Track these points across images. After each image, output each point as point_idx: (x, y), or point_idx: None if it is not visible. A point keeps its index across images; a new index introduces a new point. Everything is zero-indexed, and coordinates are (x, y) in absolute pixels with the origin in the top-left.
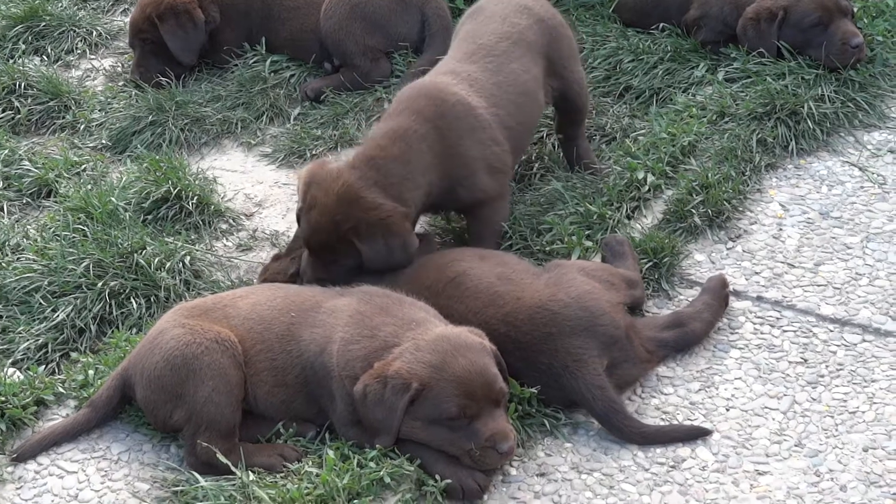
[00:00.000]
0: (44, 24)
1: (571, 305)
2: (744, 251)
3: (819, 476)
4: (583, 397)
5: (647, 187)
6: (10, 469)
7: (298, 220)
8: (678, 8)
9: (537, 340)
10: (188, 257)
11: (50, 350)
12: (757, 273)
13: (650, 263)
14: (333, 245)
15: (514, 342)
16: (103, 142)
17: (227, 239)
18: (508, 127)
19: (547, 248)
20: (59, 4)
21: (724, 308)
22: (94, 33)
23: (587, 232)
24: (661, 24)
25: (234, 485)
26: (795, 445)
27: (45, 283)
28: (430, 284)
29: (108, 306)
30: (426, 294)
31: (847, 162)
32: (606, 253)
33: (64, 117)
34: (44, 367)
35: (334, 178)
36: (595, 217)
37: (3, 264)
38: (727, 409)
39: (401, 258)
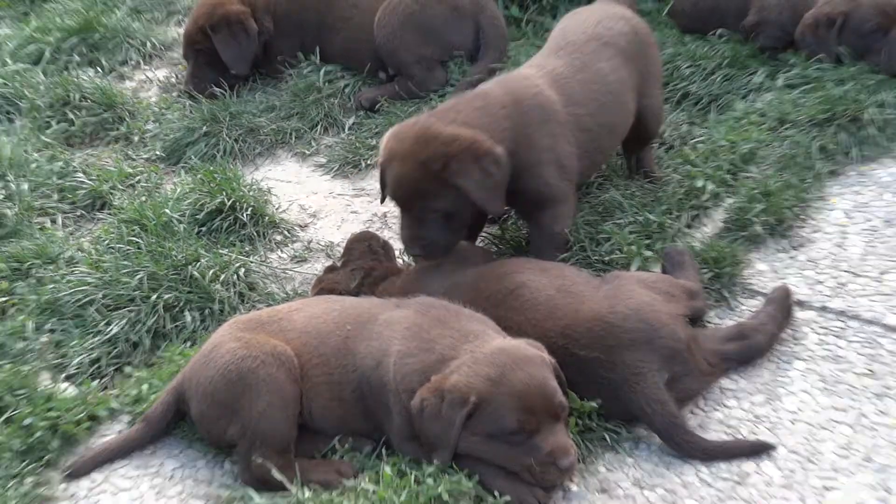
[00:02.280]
0: (98, 35)
1: (630, 318)
2: (807, 260)
3: (889, 492)
4: (643, 412)
5: (706, 196)
6: (63, 486)
7: (382, 186)
8: (736, 13)
9: (596, 353)
10: (242, 269)
11: (104, 364)
12: (821, 282)
13: (711, 273)
14: (423, 190)
15: (573, 355)
16: (157, 153)
17: (281, 250)
18: (587, 129)
19: (606, 259)
20: (114, 16)
21: (789, 319)
22: (149, 44)
23: (647, 241)
24: (719, 30)
25: (289, 501)
26: (864, 460)
27: (99, 295)
28: (490, 295)
29: (162, 319)
30: (485, 305)
31: None
32: (667, 263)
33: (118, 129)
34: (97, 381)
35: (410, 125)
36: (654, 226)
37: (58, 277)
38: (792, 423)
39: (498, 177)
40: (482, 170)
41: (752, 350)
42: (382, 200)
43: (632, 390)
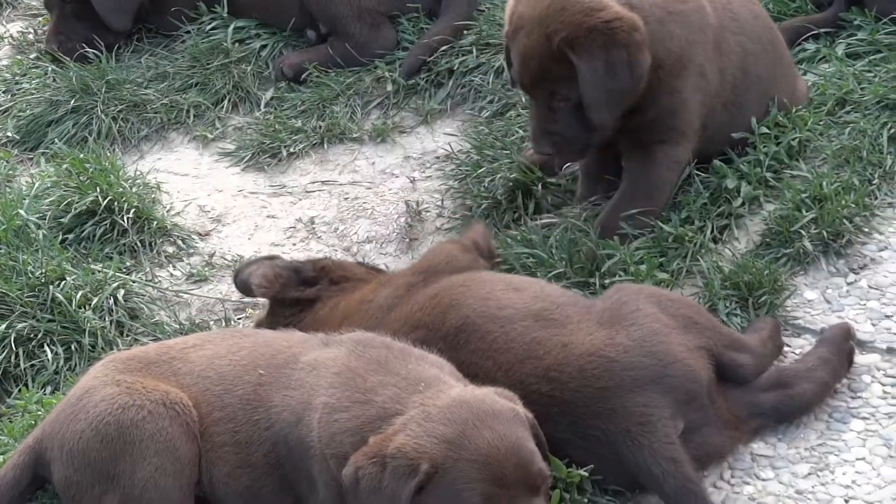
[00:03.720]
0: None
1: (633, 350)
2: (871, 287)
3: None
4: (650, 473)
5: (740, 200)
6: None
7: (508, 63)
8: None
9: (589, 400)
10: (122, 291)
11: None
12: (888, 317)
13: (741, 302)
14: (548, 71)
15: (560, 404)
16: (9, 134)
17: (174, 266)
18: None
19: (606, 282)
20: None
21: (847, 367)
22: None
23: (661, 259)
24: None
25: None
26: None
27: None
28: (446, 333)
29: (13, 356)
30: (441, 346)
31: None
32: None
33: None
34: None
35: None
36: (670, 239)
37: None
38: (846, 501)
39: (624, 82)
40: (607, 62)
41: (794, 402)
42: (513, 85)
43: (635, 445)
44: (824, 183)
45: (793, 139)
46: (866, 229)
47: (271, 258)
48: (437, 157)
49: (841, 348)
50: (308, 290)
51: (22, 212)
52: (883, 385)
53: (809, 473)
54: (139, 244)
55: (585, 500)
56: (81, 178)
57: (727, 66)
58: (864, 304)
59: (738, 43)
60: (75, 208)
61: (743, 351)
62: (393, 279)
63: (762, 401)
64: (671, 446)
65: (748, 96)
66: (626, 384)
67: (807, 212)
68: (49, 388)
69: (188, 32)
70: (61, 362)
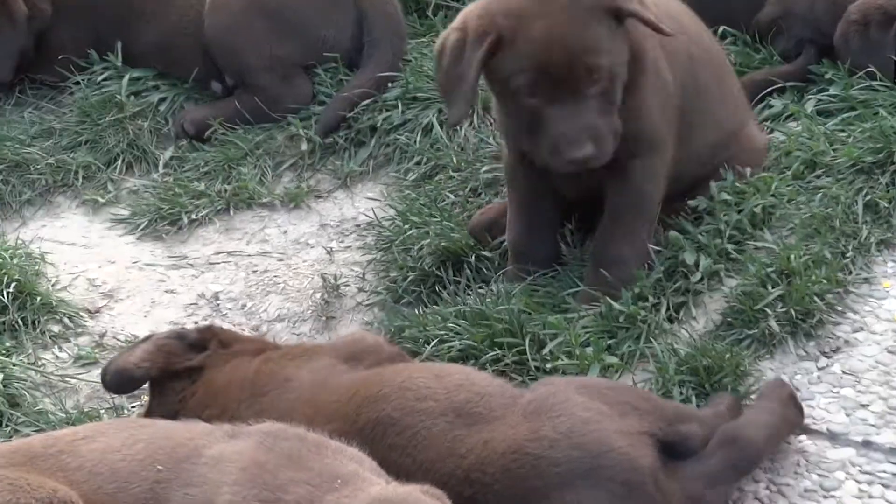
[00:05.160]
0: None
1: (560, 444)
2: (844, 373)
3: None
4: None
5: (699, 275)
6: None
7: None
8: (748, 4)
9: (517, 502)
10: (0, 375)
11: None
12: (864, 406)
13: (699, 389)
14: (591, 43)
15: None
16: None
17: (60, 347)
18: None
19: (548, 366)
20: None
21: (794, 418)
22: None
23: (609, 341)
24: (722, 28)
25: None
26: None
27: None
28: (363, 426)
29: None
30: (359, 440)
31: None
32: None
33: None
34: None
35: None
36: (621, 319)
37: None
38: None
39: None
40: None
41: (746, 453)
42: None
43: None
44: (792, 256)
45: (756, 206)
46: (839, 308)
47: (144, 339)
48: (358, 225)
49: (780, 394)
50: (198, 357)
51: None
52: (858, 483)
53: None
54: (20, 322)
55: None
56: None
57: (677, 69)
58: (838, 392)
59: (684, 43)
60: None
61: (690, 420)
62: (314, 356)
63: (713, 465)
64: None
65: (699, 106)
66: (555, 482)
67: (773, 288)
68: None
69: (77, 84)
70: None
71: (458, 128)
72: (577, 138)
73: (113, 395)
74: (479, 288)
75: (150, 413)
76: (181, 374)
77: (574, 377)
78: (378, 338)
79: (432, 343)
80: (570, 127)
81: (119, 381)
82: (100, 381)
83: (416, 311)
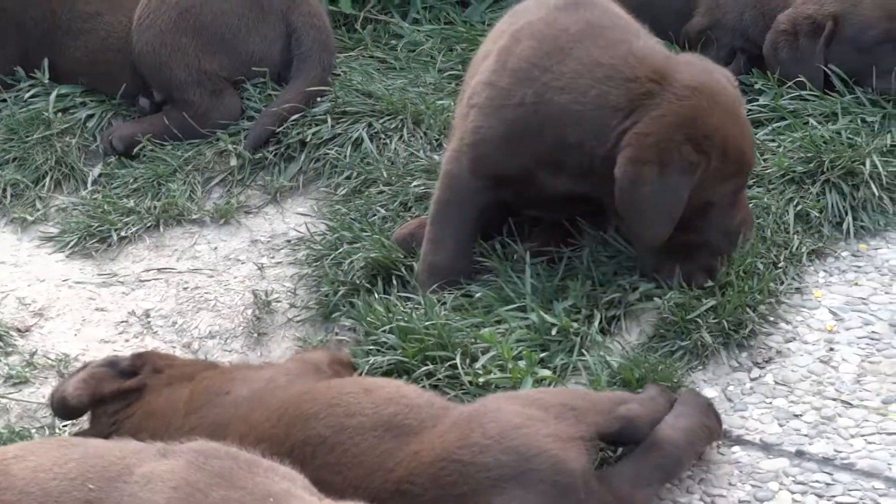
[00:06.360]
0: None
1: (490, 449)
2: (777, 383)
3: None
4: None
5: (637, 294)
6: None
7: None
8: (677, 14)
9: None
10: None
11: None
12: (797, 416)
13: None
14: None
15: None
16: None
17: None
18: None
19: (480, 380)
20: None
21: (713, 426)
22: None
23: (542, 354)
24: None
25: None
26: None
27: None
28: (293, 445)
29: None
30: (287, 460)
31: None
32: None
33: None
34: None
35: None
36: (554, 332)
37: None
38: None
39: None
40: None
41: (670, 459)
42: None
43: None
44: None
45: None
46: (771, 318)
47: (81, 368)
48: (289, 241)
49: (697, 402)
50: (129, 381)
51: None
52: (792, 493)
53: None
54: None
55: None
56: None
57: None
58: (770, 403)
59: None
60: None
61: (629, 402)
62: (251, 373)
63: (640, 468)
64: None
65: None
66: (485, 486)
67: (705, 299)
68: None
69: (4, 101)
70: None
71: (388, 141)
72: None
73: (44, 415)
74: (407, 301)
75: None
76: (114, 398)
77: (509, 392)
78: (320, 356)
79: (365, 357)
80: None
81: (62, 411)
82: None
83: (348, 325)
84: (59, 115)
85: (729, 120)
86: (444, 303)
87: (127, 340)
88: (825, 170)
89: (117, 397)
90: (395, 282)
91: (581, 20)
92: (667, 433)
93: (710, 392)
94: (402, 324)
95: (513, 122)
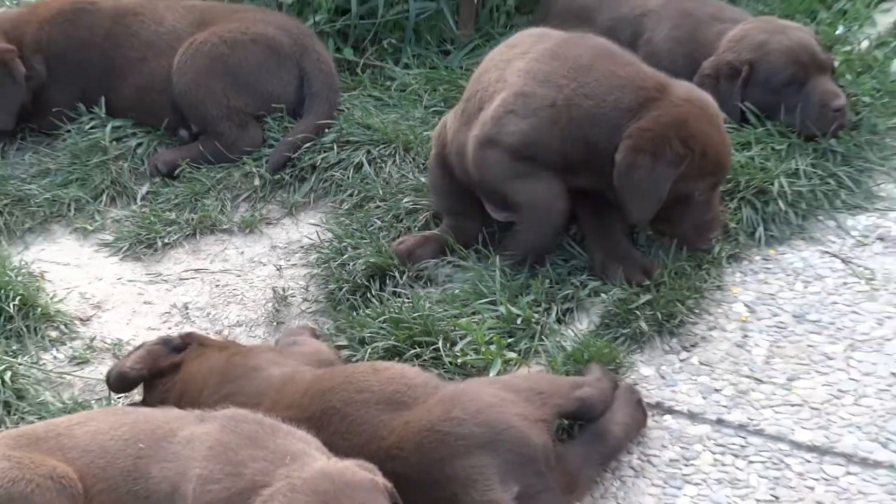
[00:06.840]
0: None
1: (467, 422)
2: (701, 363)
3: None
4: None
5: (586, 291)
6: None
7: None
8: None
9: (426, 473)
10: (8, 373)
11: None
12: (717, 390)
13: None
14: None
15: (403, 480)
16: None
17: (57, 349)
18: None
19: (458, 361)
20: None
21: (641, 418)
22: None
23: (509, 340)
24: None
25: None
26: None
27: None
28: (311, 415)
29: None
30: (307, 427)
31: (827, 252)
32: None
33: None
34: None
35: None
36: (519, 321)
37: None
38: None
39: None
40: None
41: (610, 445)
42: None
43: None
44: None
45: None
46: (697, 310)
47: (138, 347)
48: (302, 247)
49: (631, 399)
50: (179, 356)
51: None
52: (713, 453)
53: None
54: (24, 329)
55: None
56: None
57: None
58: (696, 379)
59: None
60: None
61: (583, 386)
62: (279, 357)
63: (588, 450)
64: (492, 495)
65: None
66: (459, 451)
67: (642, 295)
68: None
69: (69, 131)
70: None
71: (383, 165)
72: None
73: (102, 388)
74: (398, 297)
75: (142, 405)
76: (166, 371)
77: (489, 377)
78: (319, 344)
79: (364, 342)
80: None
81: (119, 383)
82: (104, 381)
83: (351, 316)
84: (114, 143)
85: (712, 127)
86: (429, 298)
87: (169, 328)
88: (741, 189)
89: (168, 371)
90: (388, 281)
91: (595, 46)
92: (609, 427)
93: (646, 371)
94: (394, 315)
95: (548, 118)
